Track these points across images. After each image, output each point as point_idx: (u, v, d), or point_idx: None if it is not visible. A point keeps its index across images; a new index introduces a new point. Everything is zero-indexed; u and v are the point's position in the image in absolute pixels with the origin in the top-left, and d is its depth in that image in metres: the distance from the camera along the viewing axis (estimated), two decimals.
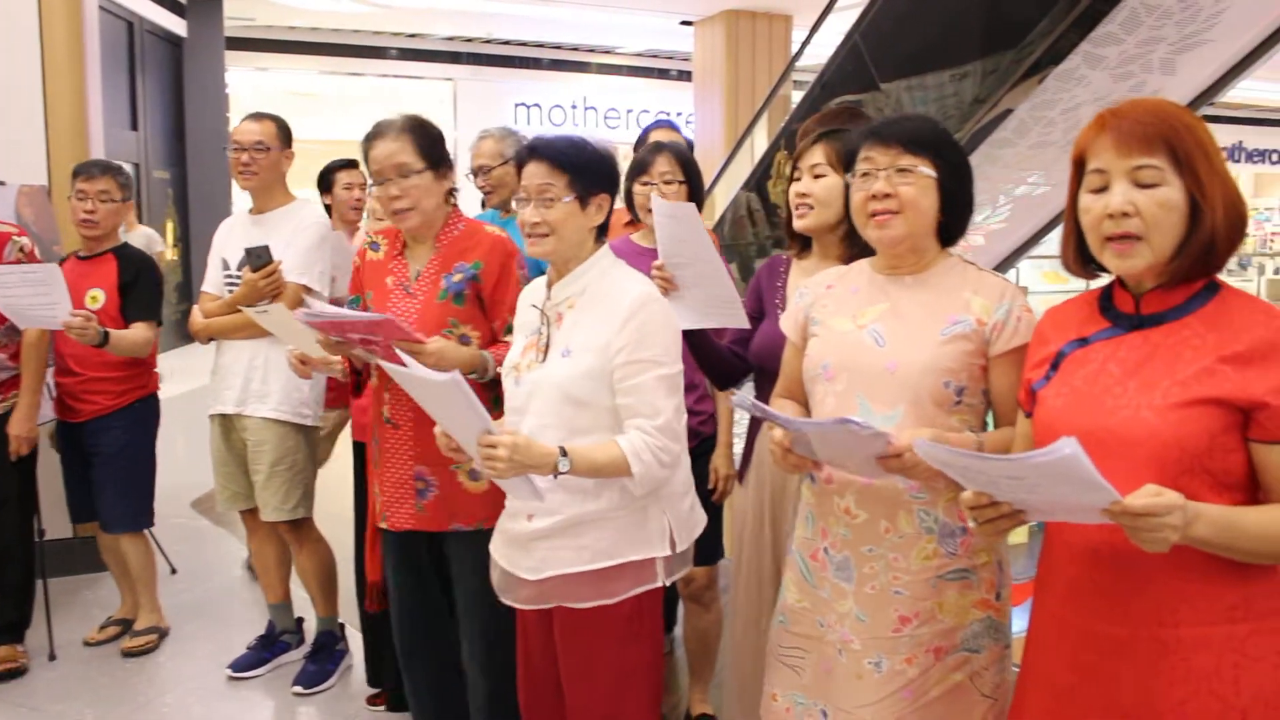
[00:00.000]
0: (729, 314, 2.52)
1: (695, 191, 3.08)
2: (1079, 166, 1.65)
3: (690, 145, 3.77)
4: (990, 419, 2.07)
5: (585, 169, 2.21)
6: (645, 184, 3.06)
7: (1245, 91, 17.53)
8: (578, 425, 2.17)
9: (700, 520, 2.38)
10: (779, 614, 2.23)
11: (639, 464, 2.10)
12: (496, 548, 2.37)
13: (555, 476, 2.07)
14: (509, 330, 2.56)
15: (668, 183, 3.04)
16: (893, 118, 2.08)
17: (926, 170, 1.96)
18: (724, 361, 2.70)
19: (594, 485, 2.18)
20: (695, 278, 2.61)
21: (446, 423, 2.14)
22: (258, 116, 3.64)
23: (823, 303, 2.15)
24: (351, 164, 4.28)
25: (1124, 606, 1.59)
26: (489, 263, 2.64)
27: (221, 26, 10.65)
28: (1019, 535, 1.94)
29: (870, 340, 2.02)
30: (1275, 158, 23.46)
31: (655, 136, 3.76)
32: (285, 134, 3.64)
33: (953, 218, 2.02)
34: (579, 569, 2.20)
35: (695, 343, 2.65)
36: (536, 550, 2.24)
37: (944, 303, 2.00)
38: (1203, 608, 1.54)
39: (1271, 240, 24.89)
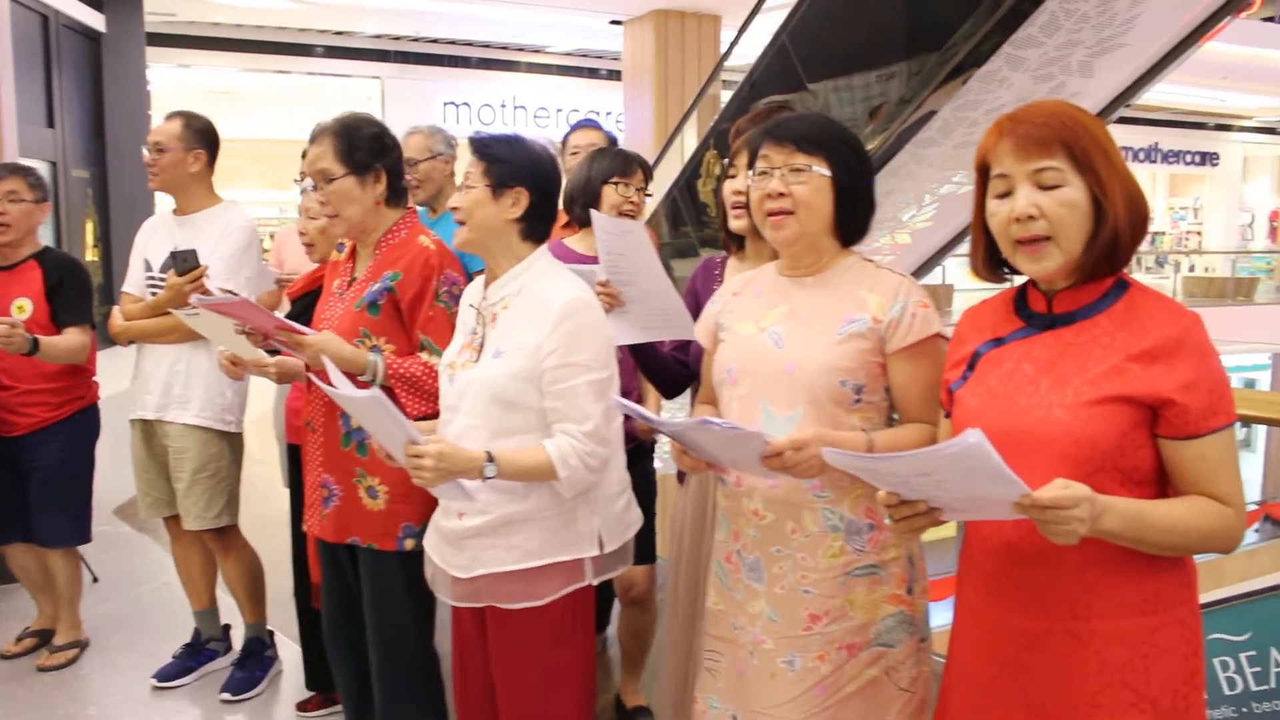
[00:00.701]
0: (675, 326, 2.54)
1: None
2: (983, 173, 1.67)
3: (614, 142, 3.78)
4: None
5: (503, 160, 2.22)
6: (624, 186, 3.03)
7: (1161, 94, 18.00)
8: (506, 426, 2.18)
9: (635, 520, 2.39)
10: (705, 618, 2.25)
11: (565, 469, 2.11)
12: (431, 544, 2.38)
13: (483, 480, 2.08)
14: (423, 347, 2.56)
15: (642, 192, 3.06)
16: (788, 116, 2.08)
17: (821, 169, 1.98)
18: (668, 370, 2.72)
19: (523, 486, 2.18)
20: (639, 293, 2.63)
21: (376, 434, 2.17)
22: (170, 115, 3.54)
23: (730, 308, 2.17)
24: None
25: (1039, 601, 1.62)
26: (407, 275, 2.58)
27: (142, 21, 10.41)
28: (949, 530, 1.97)
29: (770, 343, 2.03)
30: (1190, 159, 24.14)
31: (579, 136, 3.76)
32: (196, 133, 3.50)
33: (851, 216, 2.04)
34: (508, 568, 2.21)
35: (639, 354, 2.66)
36: (468, 548, 2.25)
37: (840, 302, 2.01)
38: (1115, 601, 1.58)
39: (1187, 239, 25.63)
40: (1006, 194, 1.62)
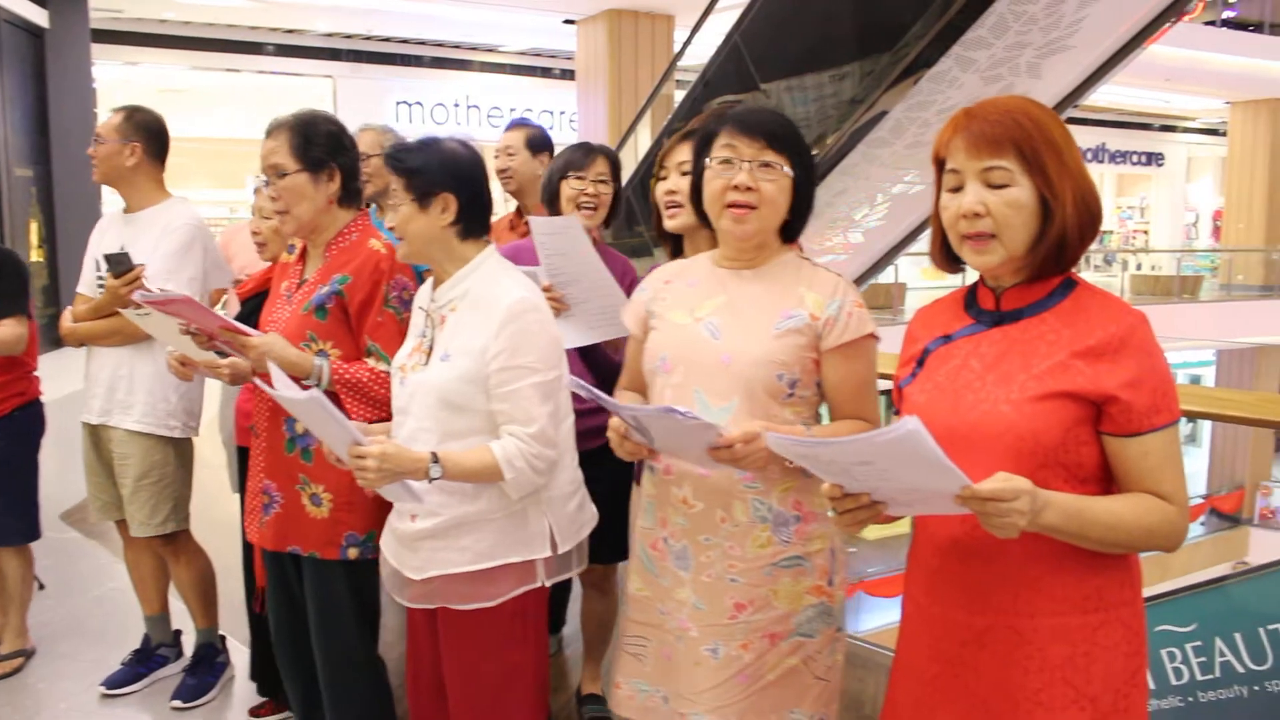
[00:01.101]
0: (621, 324, 2.53)
1: (617, 195, 3.06)
2: (940, 166, 1.69)
3: (546, 139, 3.76)
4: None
5: (420, 170, 2.19)
6: (579, 179, 3.00)
7: (1108, 96, 18.30)
8: (455, 429, 2.17)
9: (589, 520, 2.39)
10: (623, 604, 2.26)
11: (511, 470, 2.11)
12: (387, 544, 2.37)
13: (429, 481, 2.08)
14: (369, 353, 2.53)
15: (604, 183, 3.01)
16: (753, 108, 2.09)
17: (787, 169, 2.00)
18: (617, 373, 2.72)
19: (473, 488, 2.18)
20: (583, 292, 2.63)
21: (322, 436, 2.15)
22: (115, 109, 3.48)
23: (662, 296, 2.18)
24: None
25: (983, 597, 1.63)
26: (357, 279, 2.52)
27: (87, 17, 10.23)
28: (903, 525, 1.99)
29: (706, 333, 2.05)
30: (1136, 159, 24.56)
31: (509, 136, 3.74)
32: (135, 126, 3.41)
33: (800, 216, 2.07)
34: (460, 569, 2.21)
35: (588, 358, 2.66)
36: (421, 550, 2.24)
37: (778, 297, 2.04)
38: (1058, 598, 1.59)
39: (1134, 238, 26.07)
40: (958, 189, 1.64)
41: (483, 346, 2.13)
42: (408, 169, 2.19)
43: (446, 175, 2.20)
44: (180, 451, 3.52)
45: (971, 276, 1.77)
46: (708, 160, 2.04)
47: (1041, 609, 1.60)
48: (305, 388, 2.19)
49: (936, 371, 1.71)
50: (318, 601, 2.59)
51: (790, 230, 2.09)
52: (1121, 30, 5.17)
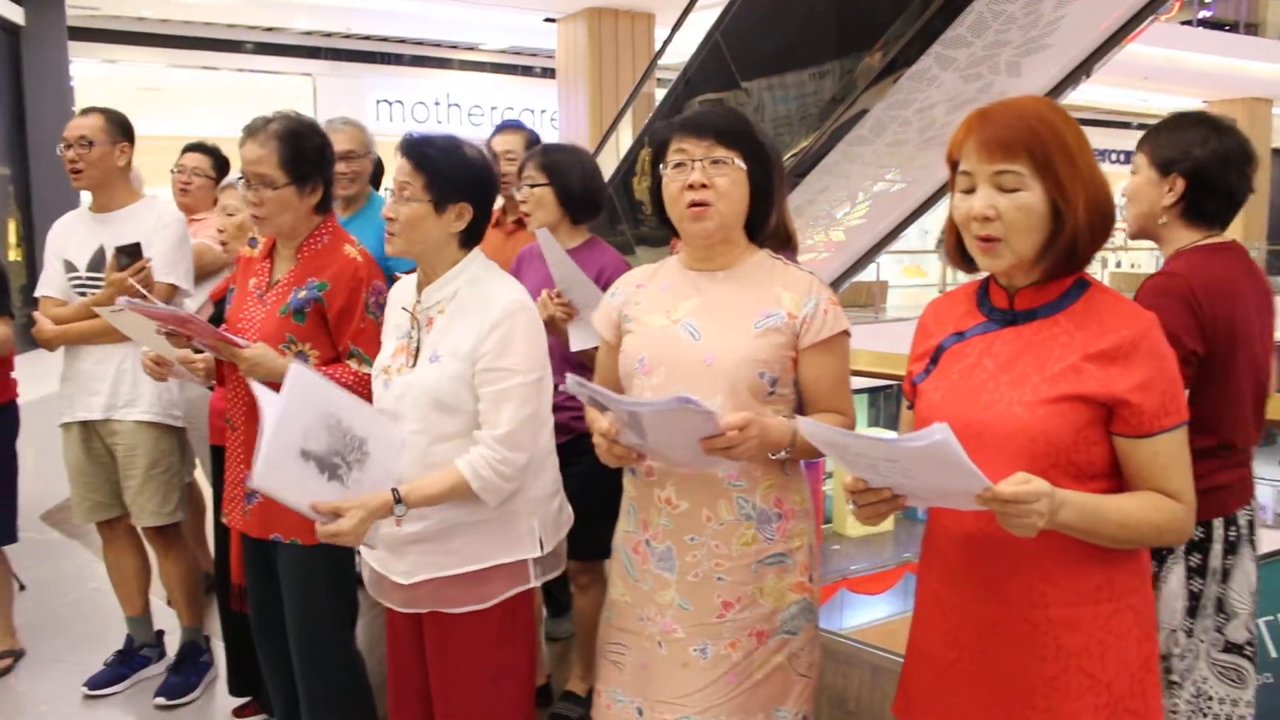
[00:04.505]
0: None
1: (564, 193, 3.06)
2: (954, 167, 1.71)
3: (536, 139, 3.80)
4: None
5: (445, 175, 2.17)
6: (517, 188, 3.11)
7: (1086, 94, 18.38)
8: (445, 430, 2.18)
9: (567, 520, 2.41)
10: (605, 609, 2.27)
11: (478, 480, 2.11)
12: (368, 550, 2.35)
13: (397, 519, 2.10)
14: (351, 355, 2.54)
15: (531, 187, 3.07)
16: (702, 110, 2.12)
17: (739, 163, 2.03)
18: None
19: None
20: (584, 297, 2.70)
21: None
22: (87, 111, 3.48)
23: (635, 300, 2.20)
24: (202, 148, 4.24)
25: (999, 589, 1.67)
26: (335, 286, 2.53)
27: (63, 15, 10.16)
28: (886, 524, 2.01)
29: (685, 334, 2.07)
30: (1114, 157, 24.68)
31: (502, 140, 3.81)
32: (118, 128, 3.45)
33: (759, 210, 2.09)
34: (451, 572, 2.21)
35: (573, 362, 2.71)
36: (409, 554, 2.24)
37: (755, 297, 2.07)
38: (1071, 589, 1.64)
39: (1113, 235, 26.21)
40: (970, 191, 1.65)
41: (472, 348, 2.14)
42: (434, 168, 2.16)
43: (471, 184, 2.20)
44: (181, 442, 3.56)
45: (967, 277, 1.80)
46: (662, 166, 2.08)
47: (1054, 600, 1.64)
48: None
49: (950, 369, 1.74)
50: (294, 588, 2.59)
51: (755, 227, 2.12)
52: (1100, 29, 5.22)
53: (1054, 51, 5.14)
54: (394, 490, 2.08)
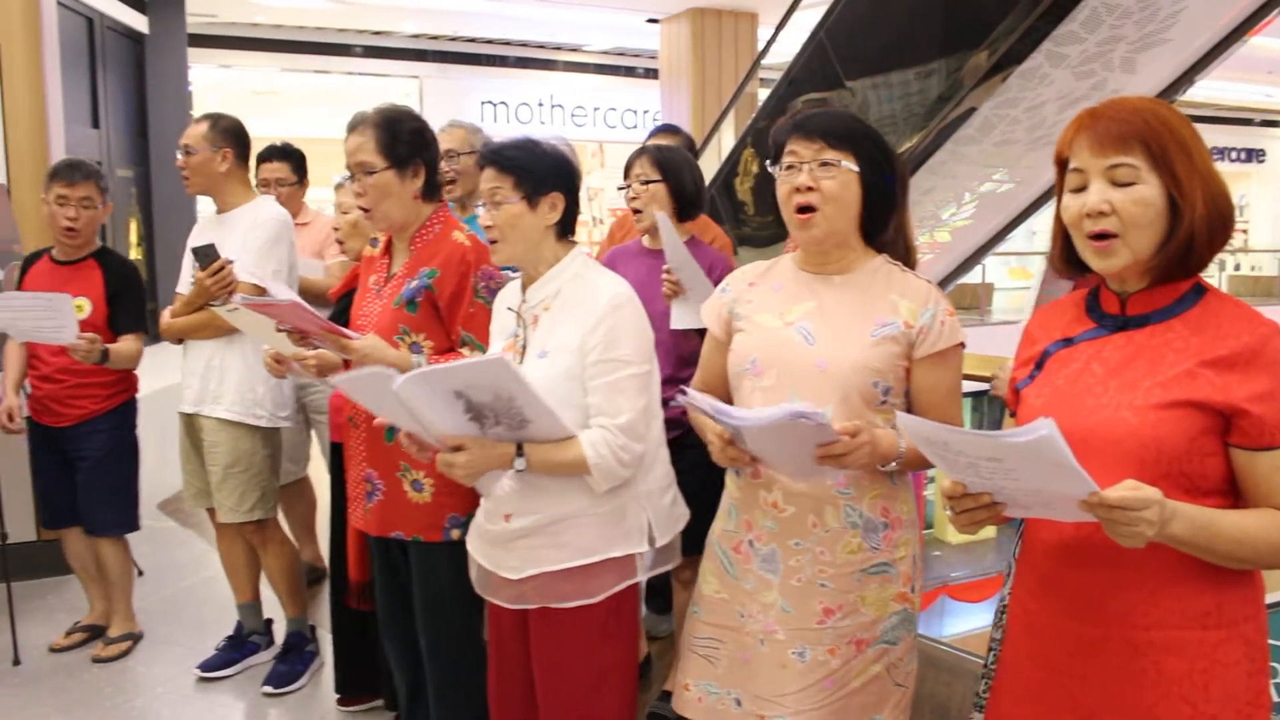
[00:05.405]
0: None
1: (678, 189, 3.18)
2: (1062, 167, 1.65)
3: (691, 143, 3.96)
4: None
5: (531, 169, 2.21)
6: (622, 188, 3.26)
7: (1206, 90, 17.75)
8: None
9: (682, 515, 2.41)
10: (693, 605, 2.26)
11: (596, 456, 2.12)
12: (475, 547, 2.39)
13: (514, 472, 2.13)
14: (464, 343, 2.57)
15: (644, 183, 3.18)
16: (815, 111, 2.08)
17: (849, 164, 1.99)
18: None
19: (564, 485, 2.19)
20: (691, 279, 2.89)
21: (404, 424, 2.18)
22: (198, 118, 3.61)
23: (746, 298, 2.17)
24: (277, 153, 4.33)
25: (1097, 606, 1.59)
26: (444, 273, 2.59)
27: (184, 23, 10.52)
28: (988, 530, 1.96)
29: (799, 337, 2.04)
30: (1235, 155, 23.78)
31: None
32: (222, 133, 3.55)
33: (876, 213, 2.05)
34: (560, 566, 2.22)
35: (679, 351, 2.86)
36: (517, 549, 2.26)
37: (872, 305, 2.03)
38: (1176, 611, 1.55)
39: (1232, 237, 25.24)
40: (1081, 189, 1.59)
41: (580, 342, 2.16)
42: (518, 166, 2.20)
43: (556, 174, 2.24)
44: (268, 441, 3.62)
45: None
46: (776, 168, 2.07)
47: (1157, 621, 1.55)
48: None
49: (1056, 375, 1.67)
50: (423, 584, 2.64)
51: (873, 228, 2.08)
52: (1222, 23, 5.02)
53: (1172, 46, 4.97)
54: (518, 444, 2.11)
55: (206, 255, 3.34)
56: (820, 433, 1.82)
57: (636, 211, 3.23)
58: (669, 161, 3.19)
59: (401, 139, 2.61)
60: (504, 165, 2.21)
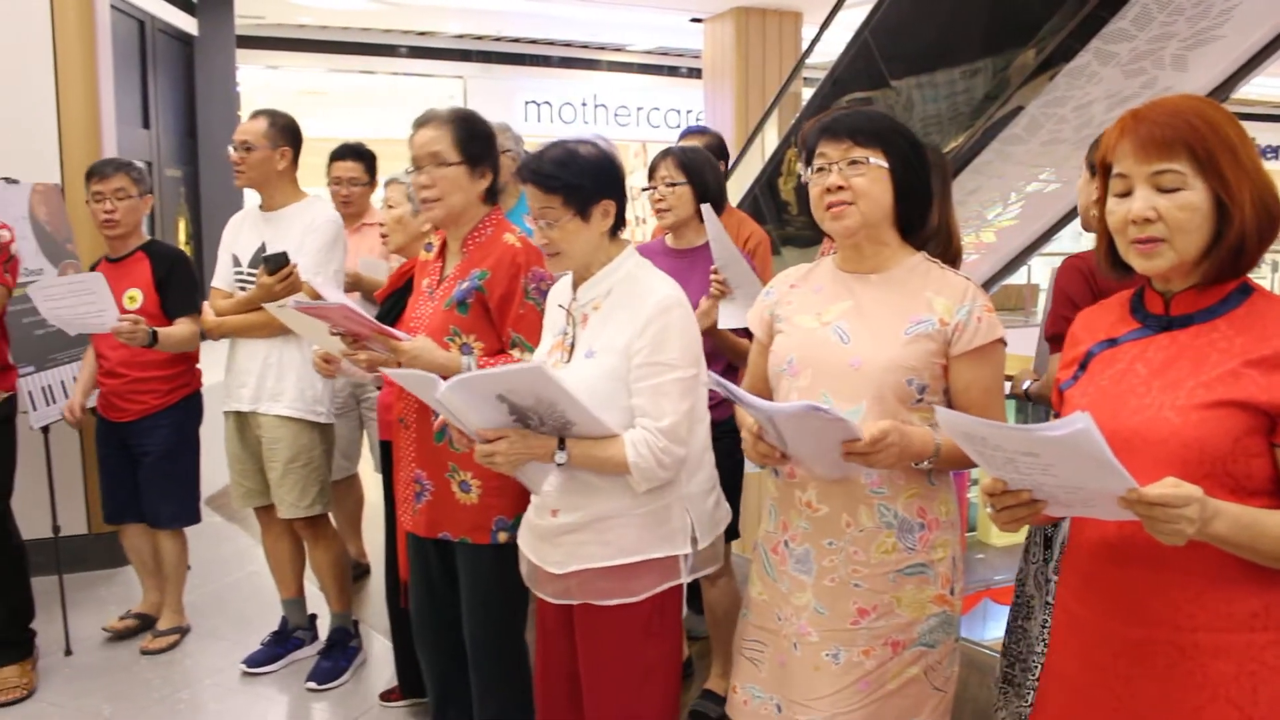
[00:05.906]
0: None
1: (701, 190, 3.18)
2: (1105, 170, 1.63)
3: (720, 141, 3.94)
4: None
5: (576, 185, 2.21)
6: (647, 189, 3.28)
7: (1259, 88, 17.43)
8: None
9: (725, 517, 2.42)
10: (744, 608, 2.26)
11: (636, 456, 2.13)
12: (525, 541, 2.42)
13: (556, 465, 2.15)
14: (514, 344, 2.59)
15: (669, 185, 3.20)
16: (844, 111, 2.08)
17: (878, 161, 1.98)
18: None
19: (609, 484, 2.20)
20: (737, 277, 2.87)
21: (453, 419, 2.22)
22: (254, 114, 3.63)
23: (787, 300, 2.18)
24: (350, 153, 4.33)
25: (1141, 607, 1.57)
26: (495, 274, 2.60)
27: (232, 25, 10.66)
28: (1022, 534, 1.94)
29: (835, 337, 2.04)
30: None
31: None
32: (280, 131, 3.59)
33: (910, 209, 2.04)
34: (603, 564, 2.23)
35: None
36: (562, 544, 2.28)
37: (907, 302, 2.02)
38: (1223, 613, 1.52)
39: None
40: (1126, 194, 1.57)
41: (627, 343, 2.16)
42: (566, 185, 2.20)
43: (601, 182, 2.24)
44: (324, 437, 3.67)
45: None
46: (807, 172, 2.07)
47: (1203, 624, 1.52)
48: None
49: (1100, 375, 1.65)
50: (470, 585, 2.67)
51: (908, 225, 2.07)
52: (1277, 19, 4.93)
53: (1225, 43, 4.89)
54: (561, 439, 2.14)
55: (277, 261, 3.36)
56: (841, 429, 1.82)
57: (661, 213, 3.25)
58: (692, 163, 3.21)
59: (477, 138, 2.65)
60: (548, 186, 2.21)
